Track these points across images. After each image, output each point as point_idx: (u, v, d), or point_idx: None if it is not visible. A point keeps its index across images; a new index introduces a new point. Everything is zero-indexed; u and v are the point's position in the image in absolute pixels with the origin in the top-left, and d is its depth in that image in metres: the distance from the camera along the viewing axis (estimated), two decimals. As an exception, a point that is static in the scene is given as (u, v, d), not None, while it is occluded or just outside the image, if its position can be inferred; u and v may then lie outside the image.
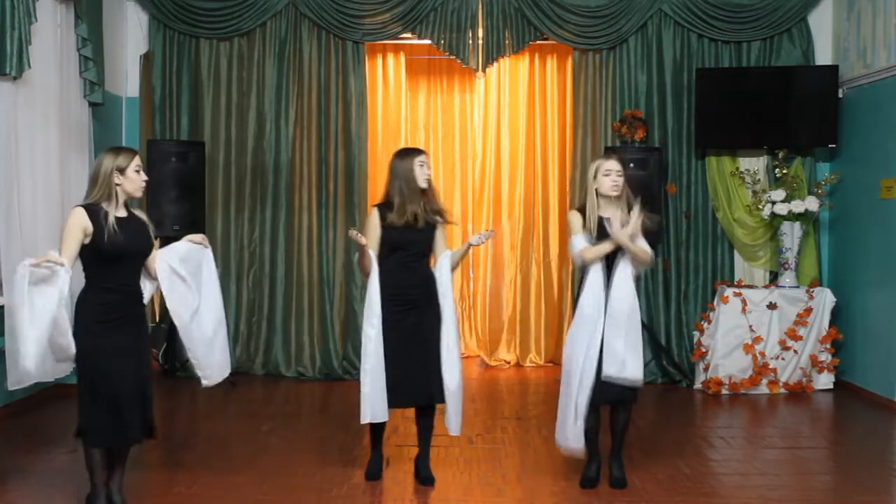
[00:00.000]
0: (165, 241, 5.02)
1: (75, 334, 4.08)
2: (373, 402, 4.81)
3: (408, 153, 4.99)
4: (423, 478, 4.97)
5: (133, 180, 4.18)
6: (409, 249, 4.91)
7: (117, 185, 4.14)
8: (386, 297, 4.85)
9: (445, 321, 4.91)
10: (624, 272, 4.78)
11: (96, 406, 4.12)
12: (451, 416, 4.93)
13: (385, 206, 4.94)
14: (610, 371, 4.70)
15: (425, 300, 4.91)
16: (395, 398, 4.87)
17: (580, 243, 4.82)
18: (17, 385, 4.15)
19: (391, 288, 4.87)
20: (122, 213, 4.18)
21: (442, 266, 4.97)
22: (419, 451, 5.06)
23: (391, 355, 4.83)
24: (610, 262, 4.80)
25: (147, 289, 4.38)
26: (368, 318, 4.84)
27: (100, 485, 4.25)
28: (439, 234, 4.99)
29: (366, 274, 4.89)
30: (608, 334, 4.72)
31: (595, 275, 4.79)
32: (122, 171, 4.14)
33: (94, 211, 4.10)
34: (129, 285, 4.22)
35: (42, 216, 6.32)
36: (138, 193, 4.25)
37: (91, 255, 4.11)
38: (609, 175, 4.82)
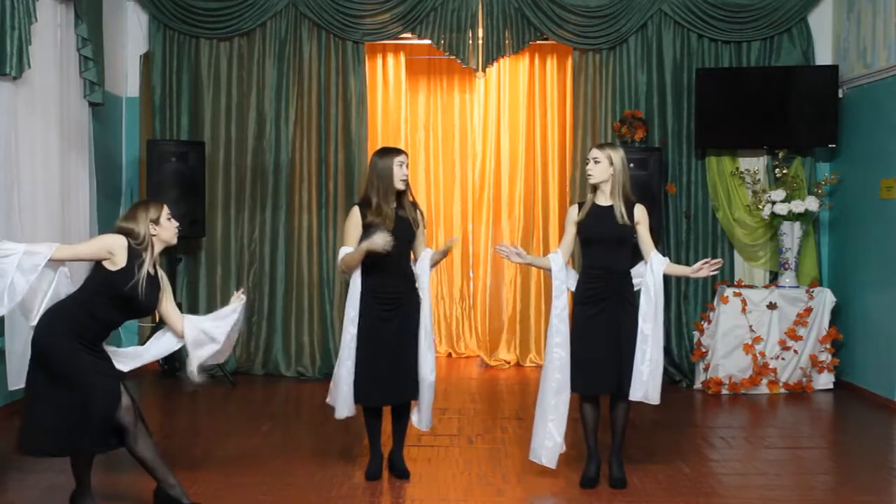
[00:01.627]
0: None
1: (48, 334, 4.11)
2: (348, 400, 4.95)
3: (387, 152, 4.98)
4: (400, 471, 5.05)
5: (167, 228, 4.34)
6: (390, 249, 4.91)
7: (153, 235, 4.28)
8: (370, 296, 4.90)
9: (423, 319, 4.96)
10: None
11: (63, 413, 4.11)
12: (424, 411, 5.05)
13: (365, 205, 4.95)
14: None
15: (407, 299, 4.95)
16: (379, 396, 4.96)
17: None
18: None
19: (376, 288, 4.91)
20: (152, 270, 4.30)
21: (423, 263, 5.04)
22: (394, 447, 5.13)
23: (374, 354, 4.90)
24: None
25: (165, 342, 4.51)
26: (351, 318, 4.93)
27: (86, 486, 4.32)
28: (420, 233, 5.03)
29: (349, 271, 4.93)
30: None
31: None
32: (156, 222, 4.29)
33: (135, 252, 4.21)
34: (114, 326, 4.34)
35: (42, 216, 6.32)
36: (174, 240, 4.40)
37: (105, 284, 4.19)
38: (588, 163, 4.90)
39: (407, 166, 4.96)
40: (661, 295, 4.88)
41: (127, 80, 8.20)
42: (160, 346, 4.51)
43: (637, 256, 4.99)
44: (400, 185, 4.92)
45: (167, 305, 4.43)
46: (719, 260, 4.89)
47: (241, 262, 8.11)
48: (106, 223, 7.48)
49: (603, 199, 4.91)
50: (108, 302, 4.19)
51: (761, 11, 7.92)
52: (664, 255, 5.04)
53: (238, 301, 4.65)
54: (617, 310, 4.83)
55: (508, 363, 8.71)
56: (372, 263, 4.88)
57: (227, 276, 8.03)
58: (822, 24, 8.05)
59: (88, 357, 4.14)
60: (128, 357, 4.39)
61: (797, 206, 7.47)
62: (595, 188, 4.92)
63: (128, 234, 4.23)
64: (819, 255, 7.96)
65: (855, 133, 7.66)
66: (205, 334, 4.46)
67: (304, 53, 8.11)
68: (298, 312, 8.10)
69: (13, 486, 4.88)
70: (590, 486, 4.88)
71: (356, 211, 4.95)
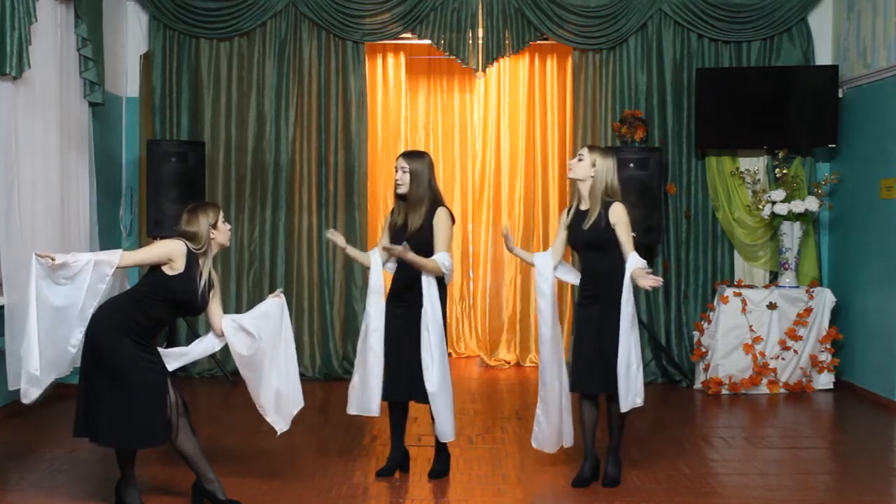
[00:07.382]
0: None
1: (101, 327, 4.24)
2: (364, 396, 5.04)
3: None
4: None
5: (223, 231, 4.48)
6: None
7: (212, 239, 4.42)
8: (388, 296, 5.05)
9: (427, 323, 4.91)
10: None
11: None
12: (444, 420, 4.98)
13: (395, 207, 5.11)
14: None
15: (419, 301, 4.92)
16: (384, 392, 5.02)
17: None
18: (27, 399, 4.26)
19: (391, 288, 5.05)
20: (207, 275, 4.45)
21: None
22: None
23: (385, 351, 4.99)
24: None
25: (207, 342, 4.68)
26: (364, 315, 5.08)
27: (130, 476, 4.42)
28: (436, 237, 4.93)
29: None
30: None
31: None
32: (214, 225, 4.43)
33: (193, 258, 4.36)
34: (165, 324, 4.59)
35: (42, 216, 6.31)
36: (228, 243, 4.55)
37: (161, 286, 4.33)
38: (574, 157, 4.92)
39: (403, 170, 4.95)
40: (631, 300, 4.74)
41: (127, 80, 8.19)
42: (203, 346, 4.68)
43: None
44: (397, 190, 5.00)
45: (213, 304, 4.56)
46: (658, 278, 4.69)
47: (241, 262, 8.11)
48: (106, 223, 7.49)
49: (583, 204, 4.91)
50: (161, 302, 4.34)
51: (761, 11, 7.92)
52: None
53: (275, 298, 4.75)
54: (606, 312, 4.80)
55: (508, 363, 8.71)
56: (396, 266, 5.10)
57: (227, 276, 8.02)
58: (822, 24, 8.05)
59: (138, 352, 4.27)
60: (174, 356, 4.53)
61: (797, 206, 7.47)
62: (578, 191, 4.91)
63: (191, 238, 4.36)
64: (819, 255, 7.96)
65: (855, 133, 7.66)
66: (243, 330, 4.58)
67: (304, 53, 8.11)
68: (298, 312, 8.09)
69: (14, 486, 4.88)
70: (582, 486, 4.87)
71: (390, 214, 5.12)
